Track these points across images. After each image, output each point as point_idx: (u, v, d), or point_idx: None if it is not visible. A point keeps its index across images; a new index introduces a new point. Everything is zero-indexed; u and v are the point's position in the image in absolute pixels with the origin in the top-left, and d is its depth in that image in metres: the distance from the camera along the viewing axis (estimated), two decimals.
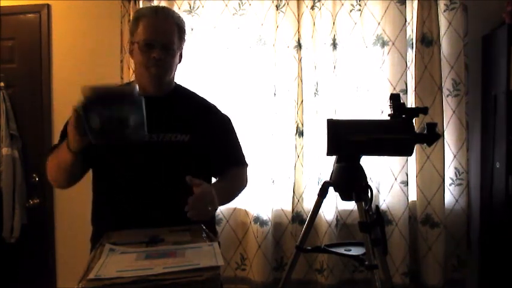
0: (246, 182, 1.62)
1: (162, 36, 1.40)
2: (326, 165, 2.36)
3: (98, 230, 1.43)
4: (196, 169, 1.35)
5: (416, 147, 1.83)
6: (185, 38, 1.50)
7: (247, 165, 1.62)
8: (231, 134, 1.59)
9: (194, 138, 1.44)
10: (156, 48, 1.39)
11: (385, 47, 2.42)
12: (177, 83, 1.57)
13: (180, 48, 1.49)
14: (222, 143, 1.53)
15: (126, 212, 1.38)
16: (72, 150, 1.26)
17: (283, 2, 2.47)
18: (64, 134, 1.50)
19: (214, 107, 1.59)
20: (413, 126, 1.72)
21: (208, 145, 1.47)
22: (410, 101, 2.46)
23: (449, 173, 2.46)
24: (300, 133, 2.50)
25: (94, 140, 1.16)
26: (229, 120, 1.60)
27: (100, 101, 1.13)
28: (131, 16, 2.45)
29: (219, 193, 1.36)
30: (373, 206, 1.73)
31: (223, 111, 1.60)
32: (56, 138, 2.69)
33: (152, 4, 2.51)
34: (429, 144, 1.77)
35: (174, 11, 1.52)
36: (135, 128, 1.17)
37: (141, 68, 1.44)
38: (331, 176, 1.81)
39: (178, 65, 1.53)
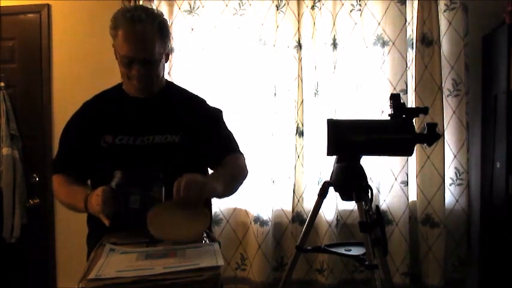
0: (246, 169, 1.52)
1: (141, 53, 1.34)
2: (326, 165, 2.36)
3: (93, 231, 1.43)
4: (189, 169, 1.34)
5: (416, 147, 1.83)
6: (169, 35, 1.44)
7: (242, 154, 1.54)
8: (222, 125, 1.54)
9: (184, 137, 1.41)
10: (136, 65, 1.35)
11: (385, 47, 2.42)
12: (168, 80, 1.55)
13: (165, 48, 1.42)
14: (214, 134, 1.48)
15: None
16: (90, 212, 1.28)
17: (283, 2, 2.47)
18: (64, 143, 1.50)
19: (204, 101, 1.55)
20: (414, 126, 1.71)
21: (200, 141, 1.43)
22: (411, 101, 2.46)
23: (450, 173, 2.46)
24: (300, 133, 2.50)
25: (128, 218, 1.19)
26: (219, 112, 1.56)
27: (136, 182, 1.20)
28: None
29: (216, 178, 1.35)
30: (373, 206, 1.73)
31: (213, 105, 1.56)
32: (56, 138, 2.72)
33: (152, 4, 2.51)
34: (429, 144, 1.77)
35: (152, 11, 1.42)
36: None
37: (125, 78, 1.42)
38: (331, 176, 1.80)
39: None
